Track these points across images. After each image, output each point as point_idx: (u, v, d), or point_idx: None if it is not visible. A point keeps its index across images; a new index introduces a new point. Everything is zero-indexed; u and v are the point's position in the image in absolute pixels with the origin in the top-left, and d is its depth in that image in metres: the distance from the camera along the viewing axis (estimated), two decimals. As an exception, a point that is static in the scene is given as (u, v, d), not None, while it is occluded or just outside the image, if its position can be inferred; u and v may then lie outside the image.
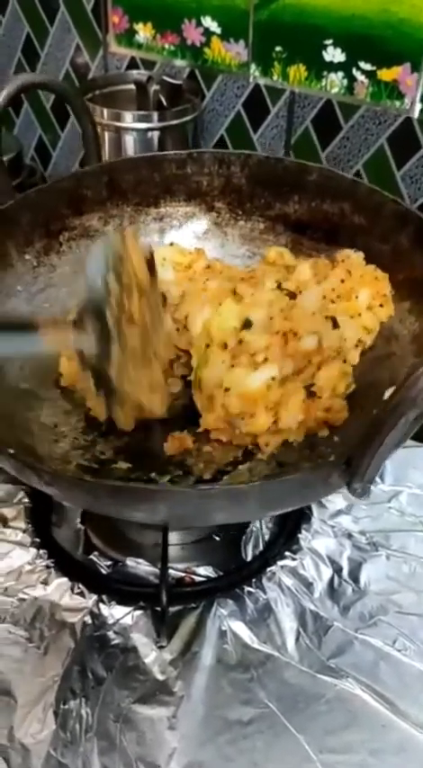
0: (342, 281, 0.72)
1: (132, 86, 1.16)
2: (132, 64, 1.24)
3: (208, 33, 1.12)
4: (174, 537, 0.71)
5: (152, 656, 0.62)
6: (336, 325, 0.70)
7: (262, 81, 1.10)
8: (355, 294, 0.72)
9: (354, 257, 0.74)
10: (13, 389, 0.68)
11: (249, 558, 0.71)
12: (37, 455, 0.63)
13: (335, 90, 1.03)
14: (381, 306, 0.72)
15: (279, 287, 0.72)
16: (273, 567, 0.69)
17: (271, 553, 0.71)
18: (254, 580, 0.68)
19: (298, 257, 0.79)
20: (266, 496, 0.52)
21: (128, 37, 1.21)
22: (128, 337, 0.59)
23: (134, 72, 1.20)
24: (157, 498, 0.50)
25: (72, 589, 0.67)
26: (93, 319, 0.58)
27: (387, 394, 0.66)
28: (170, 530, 0.69)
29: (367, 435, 0.48)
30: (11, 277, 0.74)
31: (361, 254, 0.74)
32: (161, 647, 0.63)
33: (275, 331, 0.66)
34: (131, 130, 1.08)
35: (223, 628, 0.64)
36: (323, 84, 1.04)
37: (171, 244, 0.81)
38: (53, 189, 0.79)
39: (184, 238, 0.84)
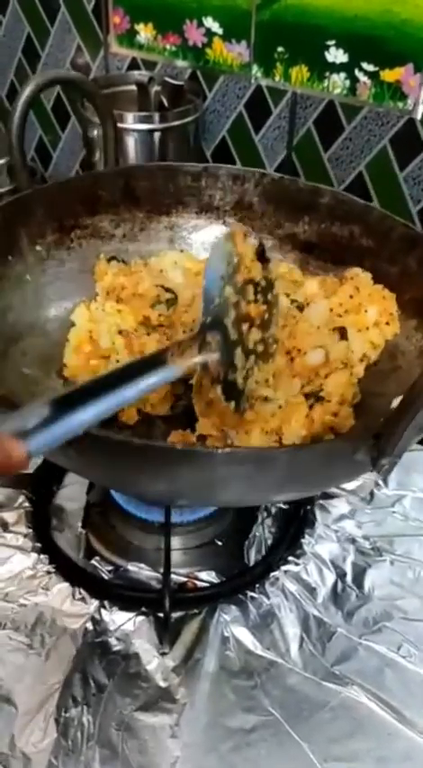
0: (350, 296, 0.73)
1: (133, 87, 1.15)
2: (133, 65, 1.23)
3: (209, 34, 1.11)
4: (176, 541, 0.70)
5: (154, 662, 0.62)
6: (344, 336, 0.70)
7: (264, 82, 1.09)
8: (364, 309, 0.72)
9: (362, 276, 0.75)
10: (17, 372, 0.68)
11: (252, 563, 0.70)
12: None
13: (337, 91, 1.03)
14: (387, 324, 0.72)
15: (287, 296, 0.72)
16: (276, 573, 0.68)
17: (274, 558, 0.70)
18: (257, 585, 0.67)
19: (305, 275, 0.79)
20: (292, 467, 0.50)
21: (129, 37, 1.21)
22: (248, 336, 0.59)
23: (135, 73, 1.19)
24: (180, 460, 0.49)
25: (73, 595, 0.66)
26: (215, 332, 0.57)
27: (395, 403, 0.66)
28: (176, 507, 0.68)
29: (397, 411, 0.47)
30: (21, 265, 0.74)
31: (369, 275, 0.74)
32: (163, 654, 0.62)
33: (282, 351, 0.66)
34: (133, 131, 1.07)
35: (226, 634, 0.64)
36: (325, 85, 1.03)
37: (181, 251, 0.82)
38: (70, 185, 0.80)
39: (193, 249, 0.84)
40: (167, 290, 0.77)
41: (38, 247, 0.76)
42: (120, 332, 0.70)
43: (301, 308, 0.72)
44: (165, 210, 0.83)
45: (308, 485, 0.59)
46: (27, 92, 0.77)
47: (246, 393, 0.61)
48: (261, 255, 0.61)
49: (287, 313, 0.70)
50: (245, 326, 0.60)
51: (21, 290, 0.74)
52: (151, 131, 1.07)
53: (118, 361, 0.70)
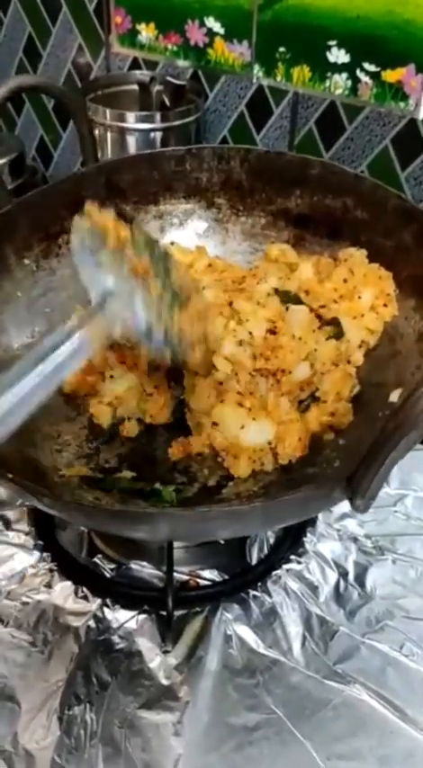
0: (345, 280, 0.71)
1: (135, 87, 1.15)
2: (135, 64, 1.24)
3: (211, 34, 1.11)
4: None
5: (157, 660, 0.62)
6: (339, 331, 0.69)
7: (265, 82, 1.09)
8: (359, 294, 0.71)
9: (357, 255, 0.73)
10: None
11: (254, 562, 0.70)
12: (41, 466, 0.63)
13: (339, 91, 1.03)
14: (384, 306, 0.71)
15: (277, 291, 0.71)
16: (278, 571, 0.68)
17: (276, 557, 0.70)
18: (259, 584, 0.67)
19: (300, 253, 0.78)
20: (268, 514, 0.52)
21: (130, 37, 1.21)
22: (148, 288, 0.59)
23: (137, 72, 1.19)
24: (158, 520, 0.50)
25: (76, 593, 0.66)
26: (111, 297, 0.57)
27: (393, 396, 0.66)
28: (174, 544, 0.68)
29: (368, 454, 0.47)
30: (9, 283, 0.73)
31: (364, 252, 0.73)
32: (166, 652, 0.62)
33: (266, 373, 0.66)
34: (134, 131, 1.08)
35: (229, 632, 0.64)
36: (327, 85, 1.03)
37: (172, 243, 0.81)
38: (51, 191, 0.78)
39: (185, 235, 0.83)
40: None
41: (26, 261, 0.75)
42: (111, 346, 0.68)
43: (293, 300, 0.71)
44: (152, 199, 0.82)
45: (288, 520, 0.62)
46: None
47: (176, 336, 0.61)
48: (121, 217, 0.61)
49: (262, 336, 0.68)
50: (138, 281, 0.59)
51: (13, 308, 0.72)
52: (153, 131, 1.07)
53: (112, 377, 0.69)
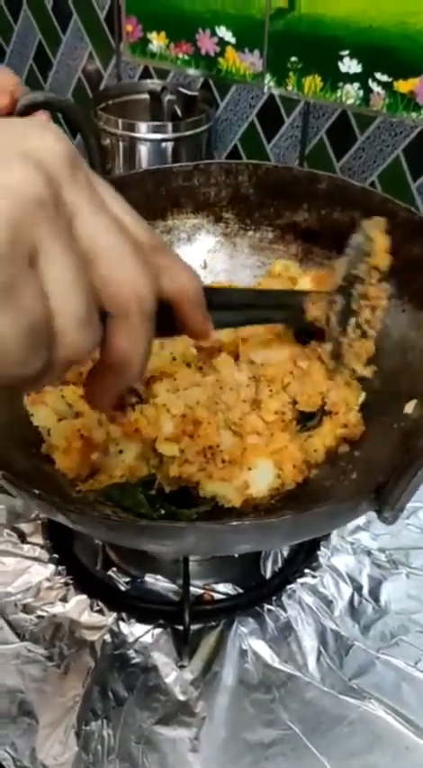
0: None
1: (146, 96, 1.15)
2: (145, 73, 1.24)
3: (222, 43, 1.12)
4: (193, 553, 0.71)
5: (173, 675, 0.62)
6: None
7: (276, 91, 1.10)
8: None
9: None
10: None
11: (269, 575, 0.70)
12: (58, 483, 0.63)
13: (350, 101, 1.03)
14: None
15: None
16: (293, 585, 0.68)
17: (290, 570, 0.70)
18: (274, 598, 0.67)
19: (308, 267, 0.78)
20: (297, 527, 0.52)
21: (141, 46, 1.21)
22: (361, 313, 0.65)
23: (148, 81, 1.20)
24: (186, 534, 0.50)
25: (91, 606, 0.67)
26: (342, 296, 0.64)
27: (407, 408, 0.66)
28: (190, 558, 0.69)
29: (399, 468, 0.48)
30: None
31: None
32: (182, 667, 0.62)
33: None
34: (145, 141, 1.08)
35: (244, 647, 0.64)
36: (339, 95, 1.04)
37: None
38: None
39: (193, 250, 0.83)
40: None
41: None
42: (111, 418, 0.65)
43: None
44: (160, 215, 0.82)
45: (313, 534, 0.63)
46: None
47: (344, 362, 0.66)
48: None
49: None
50: (363, 302, 0.63)
51: None
52: (164, 141, 1.08)
53: (121, 452, 0.64)
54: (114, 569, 0.70)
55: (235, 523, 0.52)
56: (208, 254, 0.83)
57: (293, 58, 1.05)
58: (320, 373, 0.69)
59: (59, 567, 0.70)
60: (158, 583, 0.69)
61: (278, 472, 0.64)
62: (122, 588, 0.69)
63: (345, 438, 0.68)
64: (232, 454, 0.63)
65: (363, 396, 0.69)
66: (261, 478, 0.63)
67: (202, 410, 0.64)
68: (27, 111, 0.72)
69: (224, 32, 1.11)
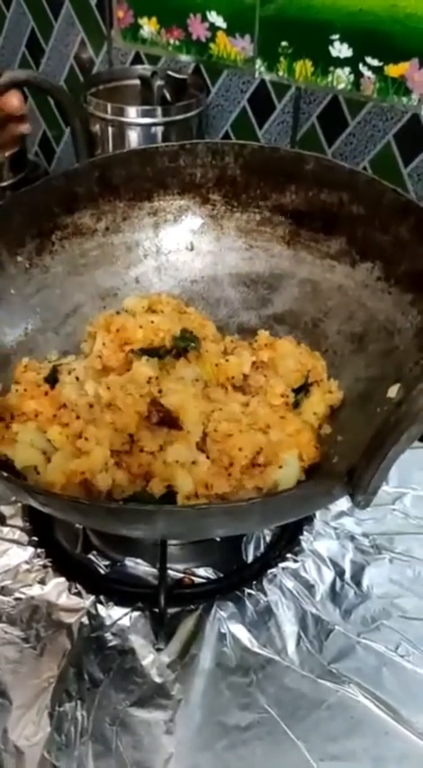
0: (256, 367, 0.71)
1: (137, 81, 1.14)
2: (137, 59, 1.23)
3: (213, 28, 1.11)
4: (173, 537, 0.70)
5: (150, 658, 0.61)
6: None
7: (268, 76, 1.09)
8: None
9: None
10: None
11: (250, 560, 0.70)
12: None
13: (341, 86, 1.02)
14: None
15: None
16: (274, 569, 0.68)
17: (272, 555, 0.70)
18: (254, 582, 0.66)
19: (297, 249, 0.78)
20: (267, 512, 0.51)
21: (133, 32, 1.20)
22: None
23: (139, 67, 1.18)
24: (155, 518, 0.49)
25: (69, 589, 0.66)
26: None
27: (391, 392, 0.65)
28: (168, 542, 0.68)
29: (369, 449, 0.47)
30: (3, 280, 0.72)
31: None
32: (159, 650, 0.62)
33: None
34: (135, 126, 1.07)
35: (223, 630, 0.63)
36: (329, 79, 1.03)
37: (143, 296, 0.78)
38: (43, 188, 0.77)
39: (179, 232, 0.82)
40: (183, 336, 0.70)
41: (19, 258, 0.74)
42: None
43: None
44: (146, 196, 0.81)
45: (287, 518, 0.62)
46: None
47: None
48: None
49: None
50: None
51: (6, 306, 0.72)
52: (154, 125, 1.07)
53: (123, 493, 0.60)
54: (94, 552, 0.70)
55: (203, 507, 0.51)
56: (194, 236, 0.82)
57: (284, 43, 1.04)
58: (292, 348, 0.70)
59: (38, 550, 0.69)
60: (139, 567, 0.69)
61: (301, 464, 0.63)
62: (102, 571, 0.68)
63: (330, 407, 0.68)
64: (266, 456, 0.61)
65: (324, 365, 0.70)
66: (291, 472, 0.61)
67: (226, 425, 0.61)
68: (6, 88, 0.71)
69: (215, 17, 1.10)
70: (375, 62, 0.98)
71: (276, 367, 0.70)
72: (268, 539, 0.72)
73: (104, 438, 0.60)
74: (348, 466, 0.50)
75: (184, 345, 0.68)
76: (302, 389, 0.69)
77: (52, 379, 0.68)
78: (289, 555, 0.69)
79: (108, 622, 0.63)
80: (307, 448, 0.63)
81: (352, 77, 1.00)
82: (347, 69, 1.00)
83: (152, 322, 0.70)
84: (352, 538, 0.71)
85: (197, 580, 0.68)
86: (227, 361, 0.70)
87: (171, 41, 1.17)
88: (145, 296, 0.78)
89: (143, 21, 1.18)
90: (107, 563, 0.69)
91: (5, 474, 0.49)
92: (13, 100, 0.75)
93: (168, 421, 0.60)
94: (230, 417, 0.63)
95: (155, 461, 0.60)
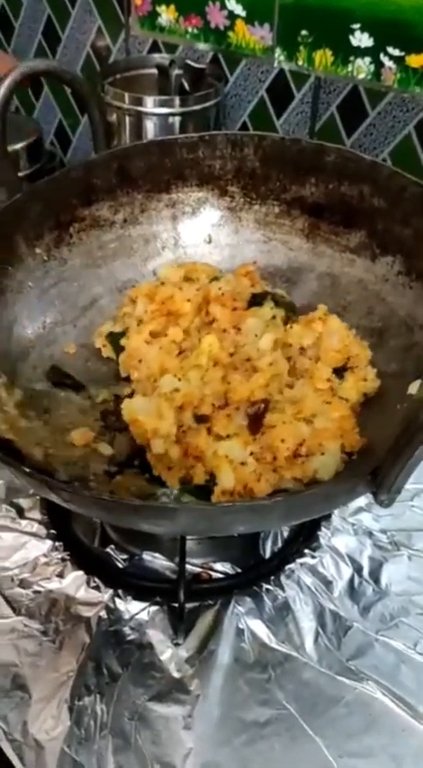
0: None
1: (154, 70, 1.13)
2: (154, 47, 1.22)
3: (232, 16, 1.09)
4: (191, 532, 0.70)
5: (168, 653, 0.61)
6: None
7: (287, 66, 1.07)
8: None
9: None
10: (28, 391, 0.67)
11: (268, 555, 0.70)
12: (56, 461, 0.62)
13: (362, 76, 1.01)
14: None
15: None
16: (291, 565, 0.68)
17: (290, 550, 0.70)
18: (272, 578, 0.67)
19: (316, 242, 0.77)
20: (290, 510, 0.51)
21: (151, 20, 1.19)
22: None
23: (156, 56, 1.17)
24: (179, 515, 0.49)
25: (88, 582, 0.66)
26: None
27: (411, 388, 0.65)
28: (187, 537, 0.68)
29: (395, 448, 0.46)
30: (22, 273, 0.72)
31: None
32: (177, 645, 0.62)
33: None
34: (152, 115, 1.06)
35: (241, 626, 0.63)
36: (350, 69, 1.01)
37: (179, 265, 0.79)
38: (61, 179, 0.77)
39: (197, 224, 0.82)
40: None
41: (37, 250, 0.74)
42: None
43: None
44: (164, 188, 0.80)
45: (309, 515, 0.62)
46: (4, 90, 0.74)
47: None
48: None
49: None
50: None
51: (25, 298, 0.72)
52: (171, 115, 1.06)
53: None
54: (112, 546, 0.70)
55: (227, 505, 0.51)
56: (212, 229, 0.82)
57: (304, 32, 1.03)
58: (342, 328, 0.69)
59: (57, 543, 0.69)
60: (156, 561, 0.69)
61: (343, 456, 0.62)
62: (120, 565, 0.69)
63: (365, 395, 0.67)
64: (309, 447, 0.61)
65: (369, 355, 0.69)
66: (330, 462, 0.61)
67: (269, 416, 0.61)
68: (27, 78, 0.71)
69: (234, 5, 1.08)
70: (396, 52, 0.96)
71: (320, 343, 0.69)
72: (286, 534, 0.71)
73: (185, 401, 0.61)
74: (370, 463, 0.49)
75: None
76: (338, 373, 0.69)
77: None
78: (307, 551, 0.69)
79: (126, 616, 0.64)
80: (350, 435, 0.63)
81: (372, 67, 0.99)
82: (368, 59, 0.99)
83: (198, 290, 0.72)
84: (370, 534, 0.71)
85: (215, 575, 0.68)
86: (291, 327, 0.70)
87: (189, 30, 1.15)
88: (181, 264, 0.78)
89: (161, 8, 1.17)
90: (125, 557, 0.69)
91: (28, 470, 0.49)
92: None
93: (255, 419, 0.60)
94: (275, 407, 0.63)
95: (208, 449, 0.61)
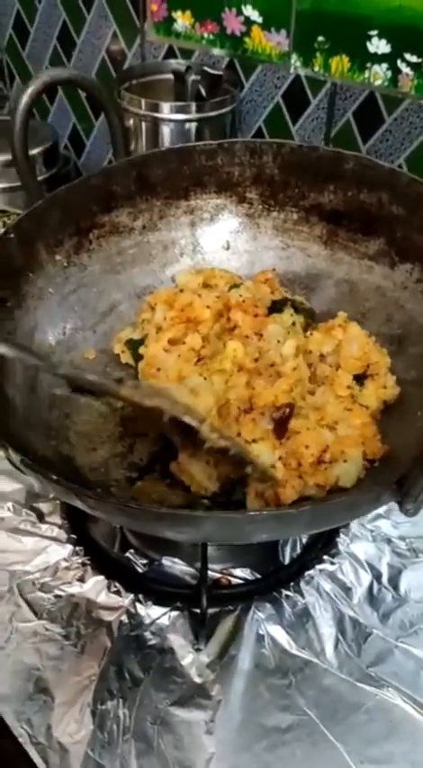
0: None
1: (170, 76, 1.14)
2: (170, 53, 1.22)
3: (248, 22, 1.10)
4: (211, 537, 0.70)
5: (189, 658, 0.62)
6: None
7: (303, 72, 1.08)
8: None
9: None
10: (49, 396, 0.67)
11: (287, 561, 0.70)
12: (76, 466, 0.63)
13: (378, 82, 1.01)
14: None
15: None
16: (311, 571, 0.68)
17: (309, 557, 0.70)
18: (292, 584, 0.67)
19: (334, 249, 0.78)
20: (315, 518, 0.51)
21: (166, 25, 1.20)
22: None
23: (173, 61, 1.18)
24: (204, 523, 0.50)
25: (108, 587, 0.67)
26: None
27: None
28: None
29: (421, 457, 0.47)
30: (42, 279, 0.72)
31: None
32: (198, 650, 0.62)
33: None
34: (169, 121, 1.06)
35: (261, 632, 0.63)
36: (366, 75, 1.01)
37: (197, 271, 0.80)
38: (81, 186, 0.77)
39: (216, 231, 0.82)
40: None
41: (57, 256, 0.74)
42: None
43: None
44: (183, 194, 0.81)
45: (333, 524, 0.62)
46: (26, 99, 0.75)
47: None
48: None
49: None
50: None
51: (45, 305, 0.72)
52: (187, 121, 1.06)
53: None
54: (132, 551, 0.70)
55: (252, 513, 0.51)
56: (231, 236, 0.82)
57: (320, 38, 1.03)
58: (362, 335, 0.69)
59: (77, 548, 0.70)
60: (176, 566, 0.69)
61: (364, 463, 0.63)
62: (140, 570, 0.69)
63: (384, 402, 0.68)
64: (332, 453, 0.62)
65: (388, 362, 0.69)
66: (352, 469, 0.61)
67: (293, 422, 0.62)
68: (48, 87, 0.71)
69: (250, 11, 1.09)
70: (414, 58, 0.96)
71: (340, 350, 0.70)
72: (305, 540, 0.72)
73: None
74: (398, 473, 0.50)
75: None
76: (358, 381, 0.69)
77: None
78: (326, 557, 0.69)
79: (147, 621, 0.64)
80: (371, 442, 0.63)
81: (389, 74, 0.99)
82: (385, 65, 0.99)
83: (218, 297, 0.72)
84: (389, 541, 0.71)
85: (234, 581, 0.68)
86: (311, 334, 0.71)
87: (205, 35, 1.16)
88: (200, 271, 0.79)
89: (177, 14, 1.18)
90: (144, 561, 0.69)
91: (55, 477, 0.49)
92: None
93: (280, 423, 0.60)
94: (299, 413, 0.63)
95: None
